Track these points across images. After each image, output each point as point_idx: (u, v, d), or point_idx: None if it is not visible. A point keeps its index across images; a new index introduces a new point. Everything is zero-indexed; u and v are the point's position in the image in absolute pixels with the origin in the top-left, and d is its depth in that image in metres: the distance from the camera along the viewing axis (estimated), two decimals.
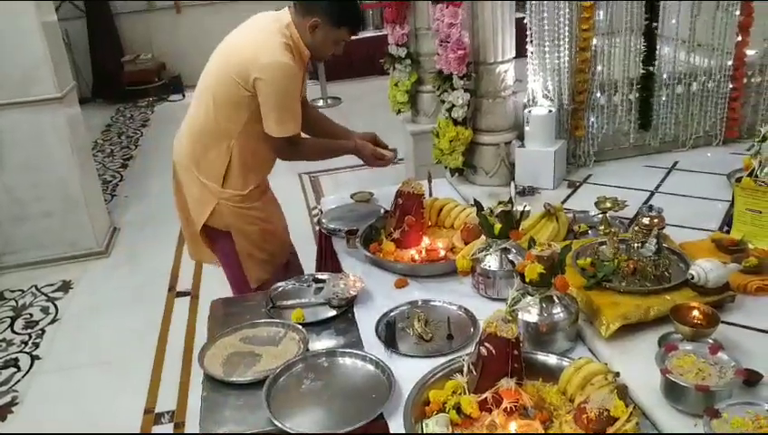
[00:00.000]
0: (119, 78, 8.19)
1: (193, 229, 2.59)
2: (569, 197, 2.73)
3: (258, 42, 2.32)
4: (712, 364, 1.54)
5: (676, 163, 2.94)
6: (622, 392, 1.52)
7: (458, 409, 1.60)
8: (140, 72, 8.23)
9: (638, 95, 2.95)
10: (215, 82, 2.40)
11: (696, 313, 1.71)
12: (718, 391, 1.46)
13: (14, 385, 3.14)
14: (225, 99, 2.36)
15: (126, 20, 8.10)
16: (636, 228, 2.05)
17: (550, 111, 2.80)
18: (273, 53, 2.27)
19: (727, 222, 2.30)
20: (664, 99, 2.97)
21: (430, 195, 2.70)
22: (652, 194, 2.67)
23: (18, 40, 3.92)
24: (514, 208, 2.12)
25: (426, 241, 2.43)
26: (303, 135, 2.53)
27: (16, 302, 3.91)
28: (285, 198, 4.88)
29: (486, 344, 1.60)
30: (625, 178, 2.81)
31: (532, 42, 2.80)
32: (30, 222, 4.26)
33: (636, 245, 2.01)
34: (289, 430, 1.62)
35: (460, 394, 1.63)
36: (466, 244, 2.32)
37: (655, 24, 2.84)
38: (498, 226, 2.07)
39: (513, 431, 1.52)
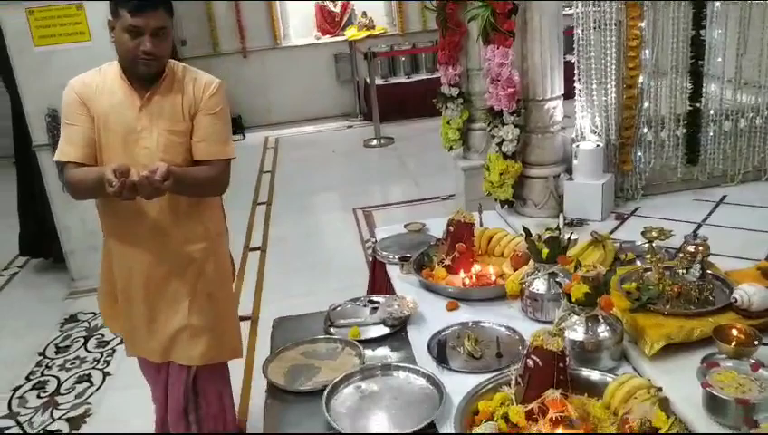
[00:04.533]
0: None
1: None
2: (616, 228, 2.80)
3: None
4: (753, 380, 1.60)
5: (724, 197, 2.98)
6: (664, 404, 1.59)
7: (506, 418, 1.69)
8: None
9: (684, 131, 3.02)
10: None
11: (737, 332, 1.77)
12: (758, 404, 1.52)
13: (87, 398, 3.35)
14: None
15: (192, 64, 8.42)
16: (681, 255, 2.12)
17: (598, 146, 2.90)
18: (77, 77, 2.20)
19: None
20: (711, 134, 3.04)
21: (480, 225, 2.82)
22: (699, 226, 2.72)
23: None
24: (562, 235, 2.23)
25: (476, 267, 2.54)
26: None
27: (89, 323, 4.15)
28: (340, 232, 5.11)
29: (533, 357, 1.70)
30: (673, 211, 2.86)
31: (579, 80, 2.92)
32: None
33: (680, 271, 2.08)
34: (346, 434, 1.74)
35: (508, 405, 1.73)
36: (515, 270, 2.42)
37: (701, 62, 2.92)
38: (546, 250, 2.17)
39: None
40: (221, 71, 8.65)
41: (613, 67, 2.87)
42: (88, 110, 2.14)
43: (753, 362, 1.68)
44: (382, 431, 1.77)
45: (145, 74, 2.13)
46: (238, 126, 8.68)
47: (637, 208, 2.97)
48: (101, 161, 2.16)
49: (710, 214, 2.84)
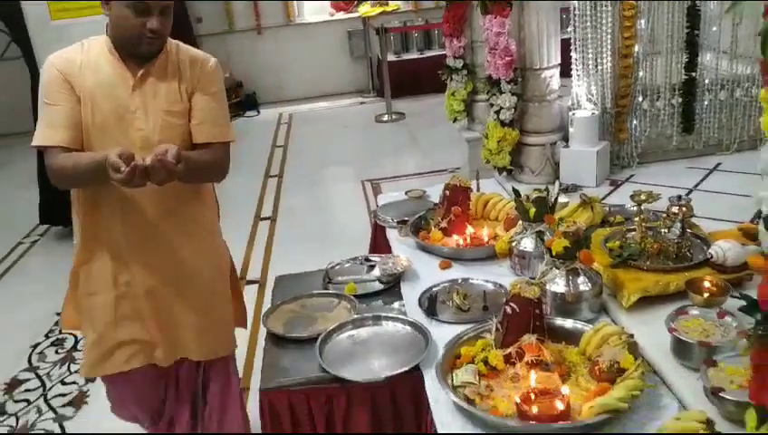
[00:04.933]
0: None
1: None
2: (609, 193, 2.88)
3: None
4: (717, 326, 1.69)
5: (718, 165, 3.04)
6: (632, 348, 1.69)
7: (485, 362, 1.80)
8: None
9: (680, 100, 3.07)
10: None
11: (710, 285, 1.86)
12: (720, 347, 1.61)
13: None
14: None
15: (207, 41, 8.64)
16: (664, 216, 2.20)
17: (593, 114, 2.97)
18: (56, 53, 2.02)
19: (758, 215, 2.41)
20: (707, 103, 3.08)
21: (478, 191, 2.91)
22: (690, 191, 2.79)
23: None
24: (549, 196, 2.32)
25: (470, 229, 2.64)
26: None
27: None
28: (348, 203, 5.22)
29: (511, 304, 1.80)
30: (666, 178, 2.92)
31: (576, 49, 2.98)
32: None
33: (663, 230, 2.16)
34: (337, 375, 1.86)
35: (488, 350, 1.84)
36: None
37: (696, 32, 2.96)
38: (533, 210, 2.26)
39: (533, 381, 1.70)
40: (236, 48, 8.80)
41: (609, 36, 2.92)
42: (72, 88, 1.95)
43: (720, 310, 1.77)
44: (372, 373, 1.88)
45: (146, 53, 1.97)
46: (253, 102, 8.80)
47: (631, 176, 3.04)
48: (89, 145, 1.97)
49: (702, 180, 2.90)
